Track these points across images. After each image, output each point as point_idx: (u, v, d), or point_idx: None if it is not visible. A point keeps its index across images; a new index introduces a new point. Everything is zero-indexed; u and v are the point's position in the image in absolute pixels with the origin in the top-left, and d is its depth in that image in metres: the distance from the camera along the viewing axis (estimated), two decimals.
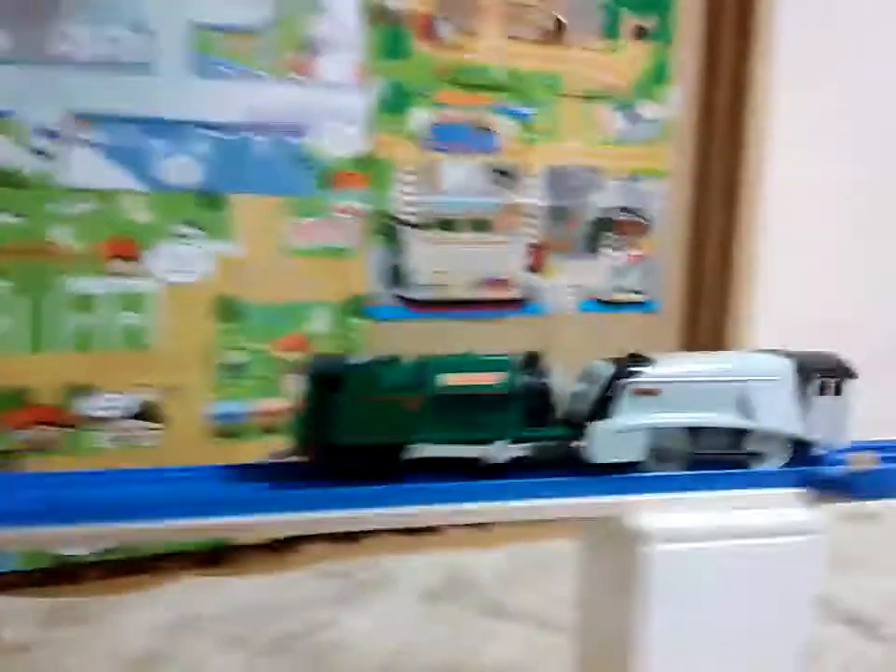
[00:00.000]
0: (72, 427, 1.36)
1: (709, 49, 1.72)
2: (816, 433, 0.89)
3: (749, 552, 0.85)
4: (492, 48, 1.57)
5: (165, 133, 1.38)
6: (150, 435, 1.41)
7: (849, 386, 0.89)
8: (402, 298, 1.57)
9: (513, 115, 1.60)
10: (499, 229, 1.62)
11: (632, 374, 0.86)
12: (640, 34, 1.67)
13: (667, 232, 1.74)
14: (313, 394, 0.84)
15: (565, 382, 0.88)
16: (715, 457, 0.88)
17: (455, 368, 0.86)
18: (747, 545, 0.85)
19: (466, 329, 1.60)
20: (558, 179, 1.65)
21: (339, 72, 1.47)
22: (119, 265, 1.37)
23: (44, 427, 1.35)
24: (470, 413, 0.85)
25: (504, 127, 1.60)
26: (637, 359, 0.88)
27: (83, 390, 1.36)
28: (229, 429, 1.46)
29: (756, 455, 0.88)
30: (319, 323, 1.50)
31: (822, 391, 0.89)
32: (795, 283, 1.70)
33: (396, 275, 1.56)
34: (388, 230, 1.54)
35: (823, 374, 0.89)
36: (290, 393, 1.46)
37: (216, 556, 1.45)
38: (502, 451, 0.85)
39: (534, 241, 1.65)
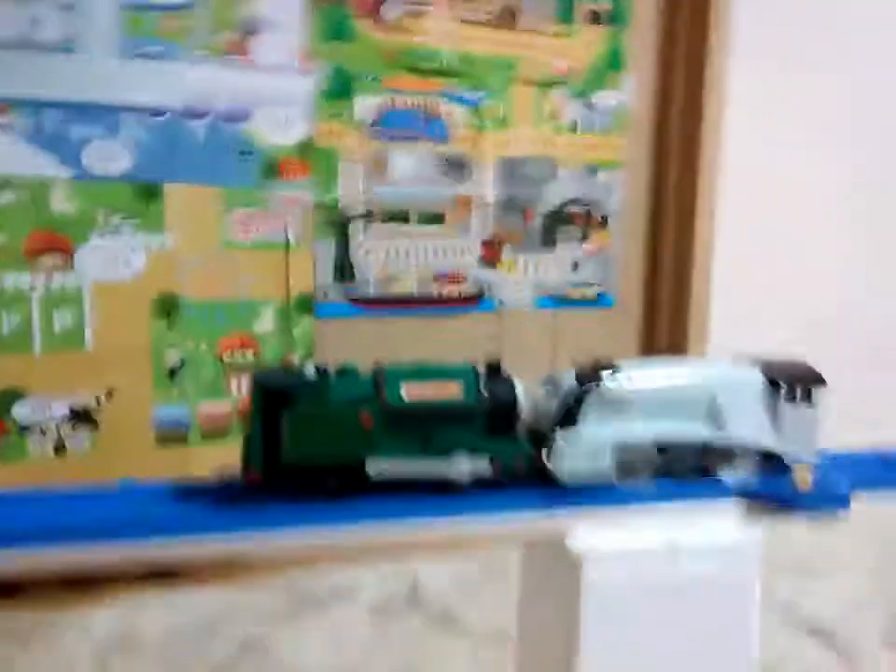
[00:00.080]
0: (3, 434, 1.32)
1: (665, 34, 1.68)
2: (785, 444, 0.86)
3: (685, 570, 0.83)
4: (442, 31, 1.51)
5: (93, 118, 1.32)
6: (86, 440, 1.37)
7: (820, 395, 0.86)
8: (350, 295, 1.53)
9: (464, 102, 1.55)
10: (451, 221, 1.58)
11: (595, 383, 0.82)
12: (595, 18, 1.62)
13: (624, 225, 1.71)
14: (261, 411, 0.79)
15: (528, 392, 0.83)
16: (683, 469, 0.84)
17: (413, 379, 0.81)
18: (683, 565, 0.83)
19: (417, 326, 1.57)
20: (511, 170, 1.60)
21: (279, 54, 1.42)
22: (48, 260, 1.32)
23: None
24: (430, 427, 0.81)
25: (455, 114, 1.55)
26: (602, 367, 0.83)
27: (13, 395, 1.32)
28: (170, 434, 1.42)
29: (725, 467, 0.85)
30: (264, 321, 1.46)
31: (792, 400, 0.86)
32: (754, 274, 1.68)
33: (343, 271, 1.52)
34: (334, 222, 1.50)
35: (793, 382, 0.86)
36: (234, 396, 1.44)
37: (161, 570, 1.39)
38: (463, 467, 0.81)
39: (487, 234, 1.61)
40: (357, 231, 1.51)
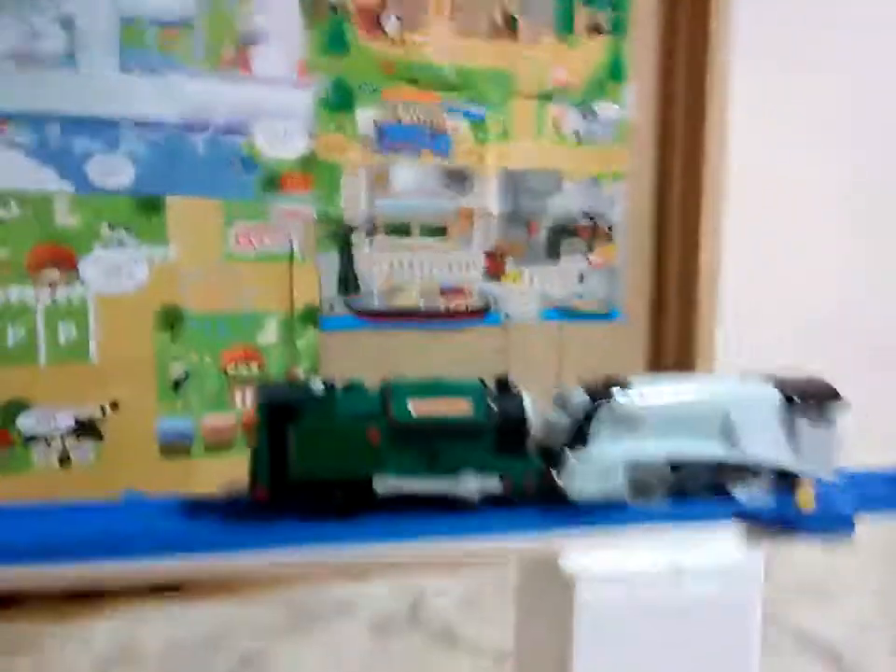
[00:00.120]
0: (8, 445, 1.31)
1: (666, 42, 1.68)
2: (802, 463, 0.84)
3: (683, 594, 0.81)
4: (442, 43, 1.51)
5: (94, 132, 1.32)
6: (91, 452, 1.36)
7: (838, 413, 0.84)
8: (354, 307, 1.52)
9: (466, 115, 1.54)
10: (454, 234, 1.57)
11: (607, 400, 0.80)
12: (595, 28, 1.62)
13: (629, 237, 1.70)
14: (267, 426, 0.79)
15: (538, 408, 0.82)
16: (697, 488, 0.82)
17: (421, 395, 0.80)
18: (681, 587, 0.81)
19: (422, 339, 1.56)
20: (515, 182, 1.60)
21: (279, 67, 1.41)
22: (51, 274, 1.32)
23: None
24: (438, 444, 0.80)
25: (457, 127, 1.54)
26: (613, 383, 0.82)
27: (18, 406, 1.31)
28: (174, 446, 1.42)
29: (740, 485, 0.83)
30: (267, 334, 1.45)
31: (808, 417, 0.84)
32: (762, 282, 1.67)
33: (347, 283, 1.51)
34: (337, 235, 1.49)
35: (809, 399, 0.84)
36: (238, 409, 1.43)
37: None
38: (472, 484, 0.80)
39: (491, 247, 1.60)
40: (360, 244, 1.50)
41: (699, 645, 0.81)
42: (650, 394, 0.82)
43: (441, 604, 1.39)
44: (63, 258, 1.31)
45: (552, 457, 0.81)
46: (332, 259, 1.49)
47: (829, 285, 1.72)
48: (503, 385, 0.84)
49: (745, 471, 0.83)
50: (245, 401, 1.43)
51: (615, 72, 1.64)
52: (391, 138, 1.50)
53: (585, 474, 0.79)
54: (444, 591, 1.42)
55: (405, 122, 1.50)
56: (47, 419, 1.32)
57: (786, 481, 0.84)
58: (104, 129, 1.32)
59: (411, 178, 1.52)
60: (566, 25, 1.60)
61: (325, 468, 0.78)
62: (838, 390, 0.85)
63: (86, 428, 1.35)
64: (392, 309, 1.54)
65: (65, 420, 1.34)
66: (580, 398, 0.82)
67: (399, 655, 1.24)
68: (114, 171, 1.33)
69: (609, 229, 1.67)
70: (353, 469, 0.78)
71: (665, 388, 0.83)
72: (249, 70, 1.39)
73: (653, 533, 0.82)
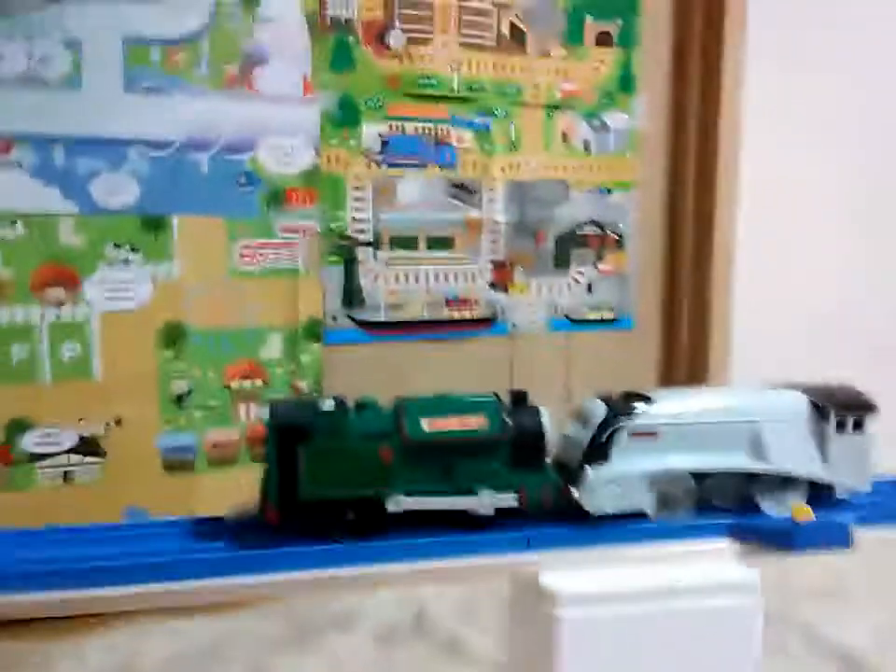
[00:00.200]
0: (11, 463, 1.30)
1: (677, 53, 1.67)
2: (835, 474, 0.83)
3: (674, 614, 0.76)
4: (448, 56, 1.51)
5: (99, 153, 1.31)
6: (94, 470, 1.35)
7: (870, 422, 0.84)
8: (359, 321, 1.51)
9: (472, 126, 1.54)
10: (461, 245, 1.57)
11: (628, 415, 0.80)
12: (604, 39, 1.62)
13: (640, 246, 1.70)
14: (277, 446, 0.78)
15: (555, 421, 0.82)
16: (725, 501, 0.82)
17: (435, 412, 0.80)
18: (672, 607, 0.76)
19: (428, 351, 1.55)
20: (522, 193, 1.59)
21: (283, 84, 1.41)
22: (55, 293, 1.31)
23: None
24: (453, 460, 0.80)
25: (463, 139, 1.54)
26: (634, 398, 0.81)
27: (22, 424, 1.30)
28: (178, 462, 1.40)
29: (771, 497, 0.82)
30: (271, 349, 1.45)
31: (841, 428, 0.83)
32: (776, 289, 1.66)
33: (351, 297, 1.50)
34: (342, 249, 1.48)
35: (841, 410, 0.83)
36: (242, 424, 1.42)
37: None
38: (487, 500, 0.80)
39: (498, 257, 1.60)
40: (365, 258, 1.50)
41: (692, 664, 0.77)
42: (672, 407, 0.81)
43: (444, 614, 1.37)
44: (67, 277, 1.31)
45: (570, 473, 0.80)
46: (337, 274, 1.48)
47: (842, 290, 1.71)
48: (519, 399, 0.83)
49: (774, 483, 0.82)
50: (248, 416, 1.42)
51: (625, 82, 1.64)
52: (396, 151, 1.49)
53: (605, 490, 0.79)
54: (446, 600, 1.40)
55: (411, 136, 1.50)
56: (50, 437, 1.31)
57: (820, 492, 0.84)
58: (108, 149, 1.31)
59: (416, 191, 1.51)
60: (574, 36, 1.59)
61: (336, 488, 0.77)
62: (869, 398, 0.84)
63: (89, 446, 1.34)
64: (397, 321, 1.53)
65: (69, 437, 1.33)
66: (600, 412, 0.81)
67: (401, 665, 1.23)
68: (118, 190, 1.33)
69: (619, 237, 1.67)
70: (365, 489, 0.78)
71: (687, 401, 0.82)
72: (254, 87, 1.39)
73: (645, 550, 0.81)
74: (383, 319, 1.52)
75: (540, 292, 1.63)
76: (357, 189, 1.48)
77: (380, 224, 1.50)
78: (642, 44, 1.64)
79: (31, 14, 1.25)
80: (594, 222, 1.65)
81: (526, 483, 0.81)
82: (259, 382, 1.43)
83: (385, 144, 1.49)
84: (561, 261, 1.64)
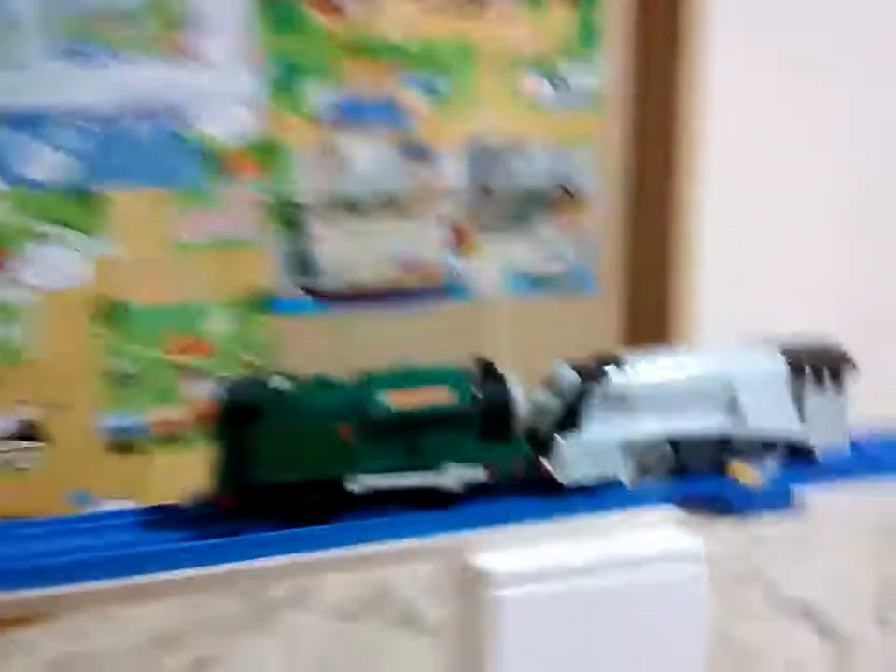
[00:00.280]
0: None
1: (641, 5, 1.62)
2: (812, 433, 0.82)
3: (615, 588, 0.76)
4: (399, 13, 1.46)
5: (30, 125, 1.27)
6: (36, 455, 1.32)
7: (850, 379, 0.82)
8: (311, 290, 1.47)
9: (425, 86, 1.50)
10: (416, 209, 1.53)
11: (601, 379, 0.77)
12: None
13: (602, 205, 1.67)
14: (228, 427, 0.74)
15: (524, 392, 0.79)
16: (701, 466, 0.80)
17: (397, 385, 0.76)
18: (612, 580, 0.76)
19: (384, 320, 1.52)
20: (479, 153, 1.55)
21: (225, 49, 1.36)
22: None
23: None
24: (418, 436, 0.76)
25: (415, 100, 1.50)
26: (607, 361, 0.79)
27: None
28: (123, 443, 1.38)
29: (748, 460, 0.81)
30: (218, 323, 1.41)
31: (819, 385, 0.82)
32: (742, 251, 1.64)
33: (302, 266, 1.46)
34: (291, 218, 1.44)
35: (819, 366, 0.82)
36: (188, 401, 1.39)
37: None
38: (456, 477, 0.77)
39: (455, 220, 1.56)
40: (315, 225, 1.46)
41: (637, 636, 0.76)
42: (645, 370, 0.78)
43: (403, 588, 1.36)
44: None
45: (541, 443, 0.78)
46: (286, 242, 1.45)
47: (812, 248, 1.71)
48: (486, 368, 0.80)
49: (753, 446, 0.81)
50: (195, 393, 1.39)
51: (586, 37, 1.60)
52: (346, 115, 1.45)
53: (577, 459, 0.76)
54: (407, 577, 1.40)
55: (360, 98, 1.46)
56: None
57: (797, 453, 0.82)
58: (40, 121, 1.27)
59: (368, 155, 1.48)
60: None
61: (294, 470, 0.73)
62: (847, 354, 0.83)
63: (29, 431, 1.32)
64: (351, 289, 1.50)
65: (6, 423, 1.30)
66: (570, 378, 0.79)
67: (360, 641, 1.20)
68: (52, 164, 1.28)
69: (581, 197, 1.64)
70: (325, 470, 0.74)
71: (661, 363, 0.80)
72: (195, 54, 1.34)
73: (585, 523, 0.78)
74: (336, 288, 1.49)
75: (500, 255, 1.60)
76: (303, 154, 1.44)
77: (330, 190, 1.46)
78: None
79: None
80: (554, 181, 1.61)
81: (496, 455, 0.77)
82: (206, 357, 1.40)
83: (334, 107, 1.44)
84: (521, 222, 1.61)
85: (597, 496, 0.78)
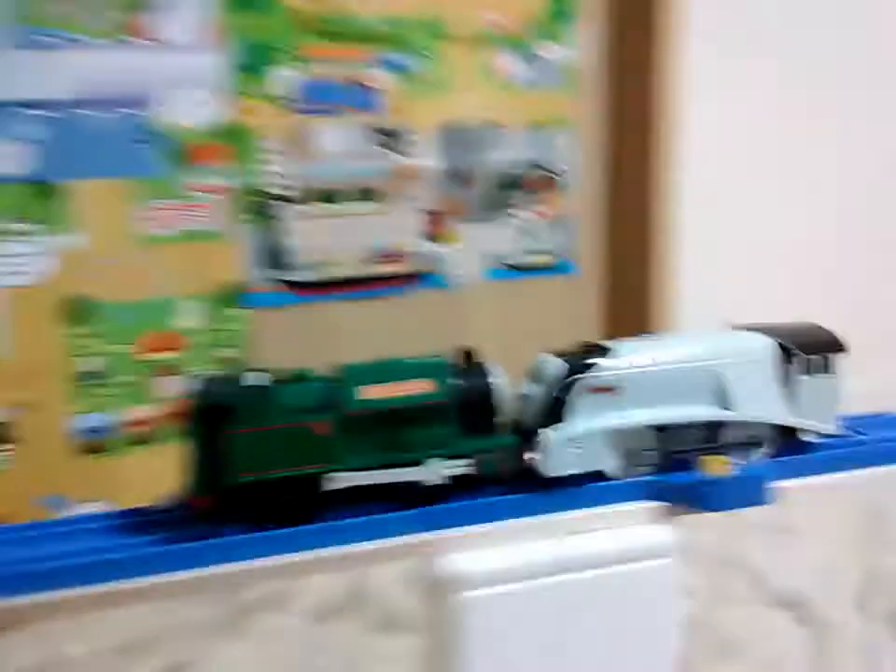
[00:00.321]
0: None
1: None
2: (802, 417, 0.81)
3: (584, 585, 0.75)
4: None
5: None
6: (5, 457, 1.28)
7: (838, 362, 0.81)
8: (284, 281, 1.44)
9: (394, 66, 1.46)
10: (389, 196, 1.50)
11: (587, 369, 0.75)
12: None
13: (580, 187, 1.64)
14: (201, 427, 0.72)
15: (508, 383, 0.77)
16: (691, 455, 0.78)
17: (375, 378, 0.74)
18: (582, 577, 0.75)
19: (359, 310, 1.49)
20: (452, 136, 1.52)
21: (183, 30, 1.33)
22: None
23: None
24: (398, 430, 0.74)
25: (385, 81, 1.46)
26: (592, 350, 0.77)
27: None
28: (94, 444, 1.35)
29: (737, 448, 0.79)
30: (190, 318, 1.38)
31: (808, 370, 0.81)
32: (720, 226, 1.62)
33: (274, 257, 1.43)
34: (260, 207, 1.41)
35: (808, 351, 0.81)
36: (160, 400, 1.36)
37: None
38: (438, 471, 0.74)
39: (430, 206, 1.53)
40: (285, 214, 1.42)
41: (608, 632, 0.75)
42: (632, 359, 0.77)
43: (383, 587, 1.33)
44: None
45: (527, 435, 0.76)
46: (257, 233, 1.41)
47: (792, 234, 1.70)
48: (467, 359, 0.78)
49: (742, 433, 0.80)
50: (167, 391, 1.36)
51: (560, 11, 1.57)
52: (313, 98, 1.41)
53: (563, 451, 0.74)
54: (386, 574, 1.37)
55: (327, 80, 1.42)
56: None
57: (788, 438, 0.82)
58: None
59: (338, 139, 1.44)
60: None
61: (269, 469, 0.71)
62: (837, 337, 0.82)
63: None
64: (325, 280, 1.47)
65: None
66: (555, 368, 0.77)
67: (338, 643, 1.19)
68: (9, 157, 1.24)
69: (558, 178, 1.61)
70: (302, 468, 0.72)
71: (648, 351, 0.78)
72: (152, 37, 1.31)
73: (555, 520, 0.77)
74: (309, 279, 1.46)
75: (477, 241, 1.57)
76: (271, 140, 1.40)
77: (299, 177, 1.43)
78: None
79: None
80: (531, 163, 1.59)
81: (479, 448, 0.76)
82: (178, 354, 1.37)
83: (300, 90, 1.41)
84: (497, 207, 1.58)
85: (571, 491, 0.77)
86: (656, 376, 0.77)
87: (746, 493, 0.79)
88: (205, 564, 0.73)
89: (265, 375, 0.75)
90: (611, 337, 0.81)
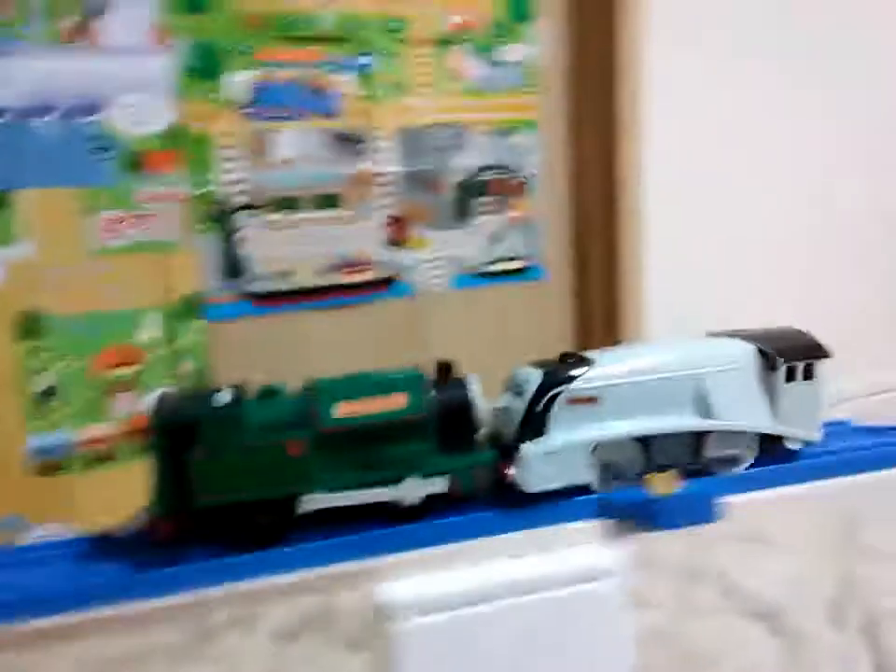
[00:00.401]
0: None
1: None
2: (785, 424, 0.79)
3: (530, 610, 0.73)
4: None
5: None
6: None
7: (821, 369, 0.80)
8: (243, 293, 1.41)
9: (352, 69, 1.43)
10: (349, 202, 1.46)
11: (566, 381, 0.73)
12: None
13: (546, 189, 1.62)
14: (164, 448, 0.68)
15: (486, 394, 0.74)
16: (674, 465, 0.76)
17: (348, 394, 0.71)
18: (525, 603, 0.72)
19: (323, 321, 1.46)
20: (414, 139, 1.49)
21: (130, 33, 1.29)
22: None
23: None
24: (374, 447, 0.71)
25: (342, 84, 1.43)
26: (571, 361, 0.74)
27: None
28: (50, 464, 1.30)
29: (721, 460, 0.77)
30: (147, 331, 1.34)
31: (791, 377, 0.79)
32: (687, 229, 1.61)
33: (233, 268, 1.39)
34: (217, 216, 1.37)
35: (790, 357, 0.79)
36: (117, 417, 1.32)
37: None
38: (415, 490, 0.71)
39: (392, 213, 1.50)
40: (242, 223, 1.38)
41: (556, 656, 0.73)
42: (611, 368, 0.75)
43: (348, 606, 1.30)
44: None
45: (506, 449, 0.74)
46: (213, 242, 1.37)
47: (762, 235, 1.69)
48: (443, 371, 0.75)
49: (725, 441, 0.78)
50: (124, 408, 1.33)
51: (519, 11, 1.54)
52: (268, 102, 1.38)
53: (543, 466, 0.72)
54: (356, 595, 1.34)
55: (282, 83, 1.39)
56: None
57: (771, 446, 0.80)
58: None
59: (295, 145, 1.40)
60: None
61: (238, 491, 0.68)
62: (820, 343, 0.81)
63: None
64: (286, 290, 1.43)
65: None
66: (534, 379, 0.74)
67: (302, 663, 1.17)
68: None
69: (524, 181, 1.59)
70: (272, 489, 0.69)
71: (628, 361, 0.76)
72: (96, 40, 1.26)
73: (501, 540, 0.75)
74: (270, 289, 1.42)
75: (442, 247, 1.54)
76: (226, 147, 1.36)
77: (256, 184, 1.39)
78: None
79: None
80: (495, 167, 1.56)
81: (457, 465, 0.73)
82: (135, 369, 1.33)
83: (254, 94, 1.37)
84: (462, 212, 1.55)
85: (526, 511, 0.76)
86: (637, 386, 0.75)
87: (693, 510, 0.78)
88: (172, 591, 0.70)
89: (232, 391, 0.71)
90: (582, 341, 0.79)
